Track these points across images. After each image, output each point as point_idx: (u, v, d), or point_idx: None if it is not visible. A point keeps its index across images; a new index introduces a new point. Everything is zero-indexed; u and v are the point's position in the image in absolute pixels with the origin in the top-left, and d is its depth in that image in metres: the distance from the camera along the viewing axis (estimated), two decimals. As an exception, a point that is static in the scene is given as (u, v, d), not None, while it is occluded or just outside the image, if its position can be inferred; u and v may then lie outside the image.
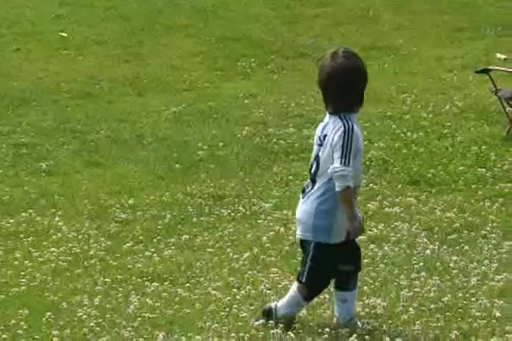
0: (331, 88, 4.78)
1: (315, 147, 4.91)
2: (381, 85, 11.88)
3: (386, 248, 6.75)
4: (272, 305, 5.09)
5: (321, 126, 4.89)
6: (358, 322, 4.99)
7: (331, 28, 15.95)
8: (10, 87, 12.95)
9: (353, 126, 4.69)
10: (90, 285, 6.32)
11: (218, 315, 5.62)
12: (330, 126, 4.75)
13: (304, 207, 4.93)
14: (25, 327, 5.24)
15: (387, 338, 4.99)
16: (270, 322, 4.96)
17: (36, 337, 5.13)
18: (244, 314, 5.46)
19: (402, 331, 5.21)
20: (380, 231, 7.25)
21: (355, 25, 16.01)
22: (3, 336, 5.27)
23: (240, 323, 5.39)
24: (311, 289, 4.99)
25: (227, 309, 5.71)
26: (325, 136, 4.77)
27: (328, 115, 4.85)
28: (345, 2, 17.45)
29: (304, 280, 4.87)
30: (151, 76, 13.27)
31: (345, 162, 4.63)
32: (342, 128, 4.66)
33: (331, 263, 4.89)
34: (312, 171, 4.92)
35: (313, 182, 4.87)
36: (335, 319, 5.13)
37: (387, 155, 9.32)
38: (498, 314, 5.24)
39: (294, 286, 5.02)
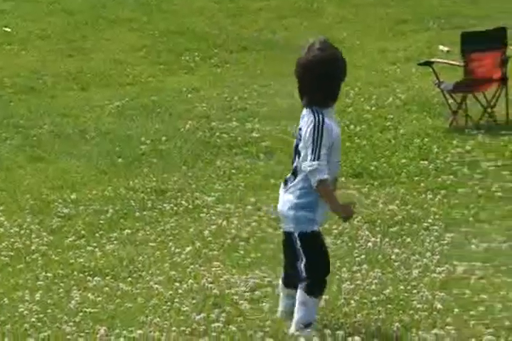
0: (306, 80, 4.79)
1: (295, 140, 4.96)
2: None
3: (328, 241, 6.49)
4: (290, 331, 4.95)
5: (300, 118, 4.97)
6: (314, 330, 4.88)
7: (275, 21, 16.05)
8: (-47, 83, 12.82)
9: (323, 119, 4.68)
10: (32, 280, 6.28)
11: (160, 309, 5.66)
12: (305, 119, 4.78)
13: (284, 200, 4.92)
14: (-35, 322, 5.28)
15: (328, 330, 4.99)
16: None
17: (-24, 333, 5.14)
18: (186, 308, 5.47)
19: (343, 323, 5.21)
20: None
21: (299, 19, 16.00)
22: None
23: (181, 317, 5.39)
24: (316, 282, 4.89)
25: (169, 303, 5.72)
26: (300, 129, 4.82)
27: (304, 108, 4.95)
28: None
29: (305, 274, 4.79)
30: (95, 70, 13.29)
31: (314, 157, 4.65)
32: (312, 123, 4.68)
33: (323, 247, 4.90)
34: (294, 164, 4.93)
35: (295, 175, 4.87)
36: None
37: (330, 148, 9.06)
38: (439, 306, 5.31)
39: (298, 293, 4.87)
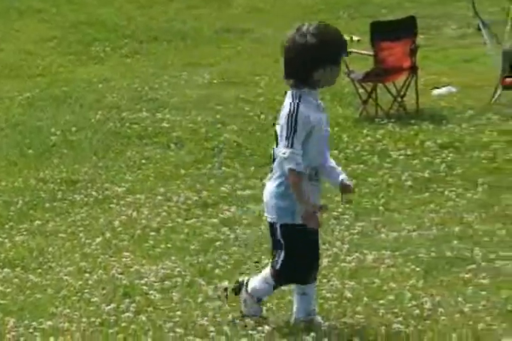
0: (290, 53, 4.52)
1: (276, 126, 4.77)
2: (235, 68, 12.35)
3: (238, 230, 6.80)
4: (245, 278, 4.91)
5: None
6: (318, 318, 4.76)
7: (185, 12, 16.20)
8: None
9: (298, 105, 4.43)
10: None
11: (70, 300, 5.61)
12: (284, 102, 4.55)
13: (266, 189, 4.72)
14: None
15: (237, 320, 5.13)
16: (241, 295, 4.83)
17: None
18: (96, 299, 5.46)
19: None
20: (233, 214, 7.28)
21: (208, 9, 16.17)
22: None
23: (91, 308, 5.37)
24: (282, 275, 4.66)
25: (79, 294, 5.67)
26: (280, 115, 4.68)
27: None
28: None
29: (278, 267, 4.59)
30: (4, 62, 13.22)
31: (288, 144, 4.40)
32: (287, 108, 4.45)
33: (303, 244, 4.63)
34: (273, 152, 4.75)
35: (274, 162, 4.69)
36: (293, 315, 4.86)
37: (240, 138, 9.42)
38: (349, 295, 5.36)
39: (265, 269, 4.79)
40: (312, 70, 4.44)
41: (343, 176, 4.56)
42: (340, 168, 4.65)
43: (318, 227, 4.53)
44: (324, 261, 6.09)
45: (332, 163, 4.65)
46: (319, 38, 4.42)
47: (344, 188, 4.56)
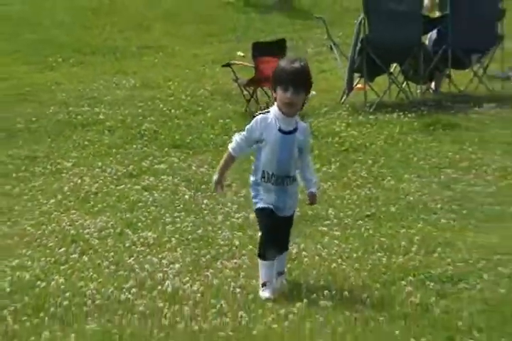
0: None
1: None
2: (153, 75, 12.23)
3: (156, 194, 6.88)
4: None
5: None
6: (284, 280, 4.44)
7: (116, 33, 16.15)
8: None
9: (259, 114, 4.11)
10: None
11: (31, 245, 5.73)
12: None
13: None
14: None
15: (155, 259, 5.21)
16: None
17: None
18: (51, 244, 5.57)
19: (167, 255, 5.40)
20: (151, 182, 7.32)
21: (134, 31, 15.97)
22: None
23: (47, 251, 5.52)
24: (260, 249, 4.25)
25: (39, 240, 5.77)
26: None
27: None
28: (126, 10, 17.90)
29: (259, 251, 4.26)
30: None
31: (240, 131, 4.15)
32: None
33: (265, 224, 4.23)
34: None
35: None
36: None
37: (156, 127, 9.36)
38: (237, 243, 5.49)
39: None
40: (279, 80, 3.99)
41: (312, 189, 4.22)
42: (315, 180, 4.34)
43: (212, 191, 4.60)
44: (219, 217, 6.21)
45: (310, 176, 4.27)
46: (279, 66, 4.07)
47: (310, 198, 4.24)
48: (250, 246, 5.42)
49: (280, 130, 3.97)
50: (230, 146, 4.11)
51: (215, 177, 4.15)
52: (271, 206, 4.08)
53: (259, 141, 4.01)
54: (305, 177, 4.22)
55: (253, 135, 4.00)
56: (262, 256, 4.18)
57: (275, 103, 4.00)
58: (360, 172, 7.80)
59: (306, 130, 4.16)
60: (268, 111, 4.03)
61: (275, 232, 4.15)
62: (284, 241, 4.32)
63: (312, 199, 4.23)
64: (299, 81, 3.92)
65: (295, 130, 4.02)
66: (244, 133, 4.04)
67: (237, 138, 4.08)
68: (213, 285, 4.90)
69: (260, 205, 4.13)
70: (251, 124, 4.02)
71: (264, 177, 4.08)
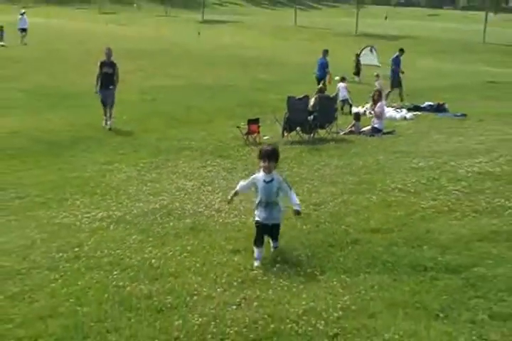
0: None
1: None
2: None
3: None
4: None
5: None
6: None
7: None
8: None
9: (254, 175, 7.14)
10: None
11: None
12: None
13: None
14: None
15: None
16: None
17: None
18: None
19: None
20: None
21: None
22: None
23: None
24: (254, 241, 7.30)
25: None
26: None
27: None
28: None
29: None
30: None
31: (245, 178, 7.06)
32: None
33: (257, 231, 7.26)
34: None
35: None
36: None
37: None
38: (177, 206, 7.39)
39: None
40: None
41: (296, 208, 7.01)
42: (297, 202, 7.12)
43: (228, 201, 7.52)
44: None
45: (293, 201, 7.07)
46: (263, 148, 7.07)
47: (295, 213, 7.01)
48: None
49: (264, 181, 6.79)
50: (238, 187, 7.08)
51: (229, 197, 7.28)
52: (261, 219, 7.02)
53: (255, 186, 6.91)
54: (291, 202, 6.98)
55: (250, 184, 7.01)
56: (254, 244, 7.03)
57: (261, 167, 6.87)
58: (284, 170, 12.03)
59: (279, 180, 6.93)
60: (259, 171, 6.87)
61: (261, 234, 6.96)
62: (274, 237, 7.25)
63: (297, 213, 7.01)
64: (272, 157, 6.79)
65: (272, 180, 6.82)
66: (248, 180, 7.03)
67: (241, 182, 7.03)
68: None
69: (256, 218, 7.03)
70: (250, 179, 7.02)
71: (259, 202, 6.94)
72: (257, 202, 6.91)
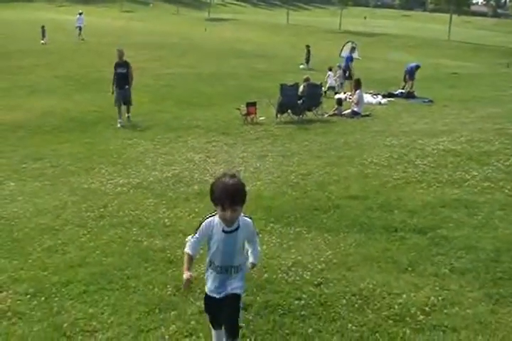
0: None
1: None
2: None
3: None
4: None
5: None
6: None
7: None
8: None
9: (206, 219, 3.62)
10: None
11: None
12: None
13: None
14: None
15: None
16: None
17: None
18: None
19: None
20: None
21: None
22: None
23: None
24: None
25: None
26: None
27: None
28: None
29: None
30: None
31: (193, 233, 3.66)
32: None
33: (205, 306, 3.99)
34: None
35: None
36: None
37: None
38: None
39: None
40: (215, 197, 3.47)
41: (252, 259, 3.81)
42: (257, 255, 3.89)
43: (184, 287, 3.58)
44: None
45: (255, 254, 3.86)
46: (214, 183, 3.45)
47: (251, 265, 3.84)
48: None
49: (224, 231, 3.55)
50: (186, 249, 3.63)
51: (185, 275, 3.53)
52: (209, 293, 3.77)
53: (209, 239, 3.62)
54: (252, 253, 3.82)
55: (203, 237, 3.62)
56: (210, 324, 3.96)
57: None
58: (284, 142, 12.45)
59: (248, 226, 3.64)
60: (214, 214, 3.54)
61: (212, 313, 3.86)
62: (230, 327, 3.61)
63: (253, 266, 3.85)
64: (237, 198, 3.35)
65: (237, 229, 3.56)
66: (196, 235, 3.62)
67: (190, 240, 3.66)
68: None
69: (206, 290, 3.79)
70: (200, 229, 3.59)
71: (210, 266, 3.69)
72: (207, 261, 3.78)
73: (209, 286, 3.79)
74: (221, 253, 3.63)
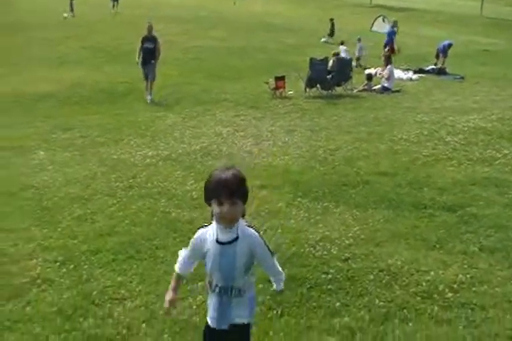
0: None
1: None
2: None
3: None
4: None
5: None
6: None
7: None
8: None
9: (199, 230, 2.99)
10: None
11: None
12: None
13: None
14: None
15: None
16: None
17: None
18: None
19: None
20: None
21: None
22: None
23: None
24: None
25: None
26: None
27: None
28: None
29: None
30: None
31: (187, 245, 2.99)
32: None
33: (204, 336, 3.14)
34: None
35: None
36: None
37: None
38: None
39: None
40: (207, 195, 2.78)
41: (277, 285, 3.15)
42: (281, 276, 3.13)
43: (165, 310, 3.07)
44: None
45: (278, 274, 3.12)
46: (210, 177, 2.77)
47: (277, 291, 3.21)
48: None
49: (217, 241, 2.84)
50: (175, 266, 3.11)
51: (167, 296, 3.06)
52: (210, 322, 3.05)
53: (201, 253, 2.94)
54: (271, 273, 3.14)
55: (196, 251, 2.97)
56: None
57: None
58: (313, 116, 12.62)
59: (251, 237, 2.85)
60: (210, 224, 2.91)
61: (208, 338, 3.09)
62: None
63: (279, 292, 3.24)
64: (236, 192, 2.72)
65: (236, 239, 2.81)
66: (188, 248, 3.02)
67: (182, 254, 3.09)
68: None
69: (208, 321, 3.08)
70: (191, 242, 2.98)
71: (210, 287, 3.01)
72: (206, 281, 3.13)
73: (210, 313, 3.07)
74: (218, 269, 2.91)
